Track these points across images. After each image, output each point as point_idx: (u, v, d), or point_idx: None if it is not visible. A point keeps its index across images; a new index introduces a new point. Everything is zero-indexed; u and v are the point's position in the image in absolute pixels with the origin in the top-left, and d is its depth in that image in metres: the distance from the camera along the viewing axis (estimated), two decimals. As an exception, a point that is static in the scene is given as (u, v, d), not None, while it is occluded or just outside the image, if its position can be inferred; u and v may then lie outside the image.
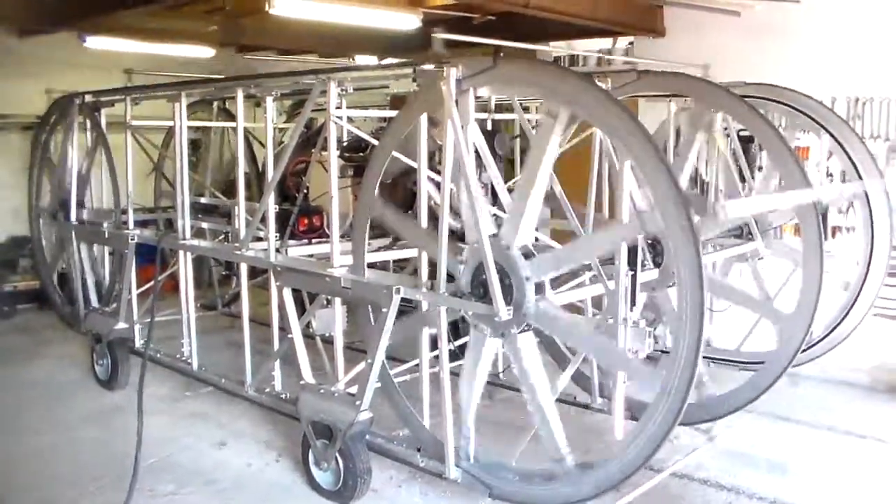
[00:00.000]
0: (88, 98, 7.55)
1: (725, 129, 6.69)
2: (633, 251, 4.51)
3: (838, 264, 6.74)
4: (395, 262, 6.54)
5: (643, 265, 4.76)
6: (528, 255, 4.38)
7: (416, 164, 4.64)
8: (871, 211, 6.59)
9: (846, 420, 6.20)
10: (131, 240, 6.91)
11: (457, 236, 4.68)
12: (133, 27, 8.75)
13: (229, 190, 8.59)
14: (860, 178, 6.58)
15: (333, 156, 5.20)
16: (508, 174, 7.27)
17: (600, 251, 4.59)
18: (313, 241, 6.43)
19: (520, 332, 4.40)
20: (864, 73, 7.22)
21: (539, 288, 4.35)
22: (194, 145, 9.23)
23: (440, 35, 8.04)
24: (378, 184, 4.92)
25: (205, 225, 7.87)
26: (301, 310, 5.52)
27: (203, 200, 8.51)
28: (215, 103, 8.85)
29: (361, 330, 5.35)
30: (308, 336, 5.49)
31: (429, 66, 4.54)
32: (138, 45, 9.22)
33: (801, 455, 5.63)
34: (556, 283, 4.60)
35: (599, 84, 4.56)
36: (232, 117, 7.51)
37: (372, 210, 4.97)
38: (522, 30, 9.23)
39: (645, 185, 4.02)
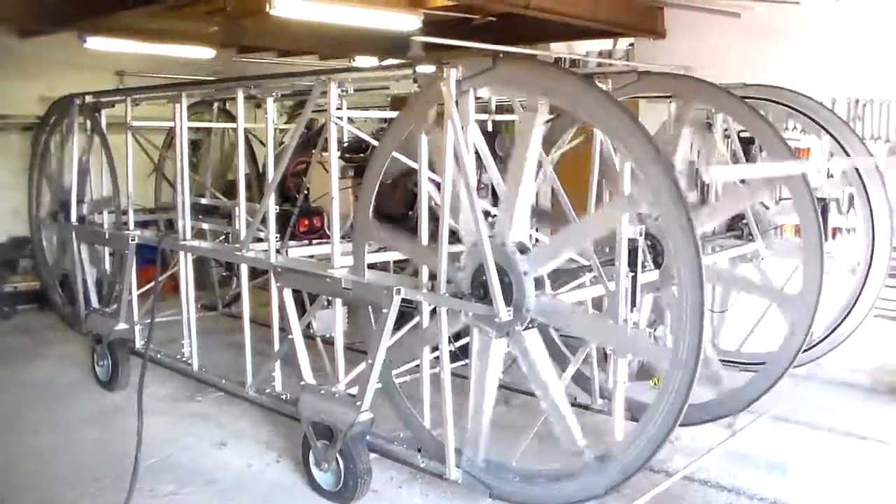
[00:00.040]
0: (89, 99, 7.55)
1: (725, 130, 6.71)
2: (633, 252, 4.51)
3: (839, 265, 6.73)
4: (395, 262, 6.54)
5: (643, 266, 4.76)
6: (523, 250, 4.38)
7: (416, 165, 4.65)
8: (871, 211, 6.60)
9: (847, 421, 6.20)
10: (132, 240, 6.91)
11: (455, 238, 4.67)
12: (133, 28, 8.74)
13: (230, 191, 8.60)
14: (860, 178, 6.58)
15: (334, 157, 5.21)
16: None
17: (595, 234, 4.54)
18: (314, 241, 6.44)
19: (524, 330, 4.39)
20: (865, 74, 7.22)
21: (538, 283, 4.35)
22: (194, 146, 9.24)
23: (419, 38, 8.06)
24: (373, 202, 4.95)
25: (205, 226, 7.89)
26: (301, 311, 5.52)
27: (203, 201, 8.52)
28: (216, 104, 8.86)
29: (362, 331, 5.35)
30: (308, 337, 5.49)
31: (429, 67, 4.55)
32: (138, 46, 9.23)
33: (801, 456, 5.63)
34: (557, 285, 4.61)
35: (600, 85, 4.57)
36: (232, 118, 7.51)
37: (368, 235, 5.00)
38: (523, 31, 9.24)
39: (645, 186, 4.01)
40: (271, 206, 5.64)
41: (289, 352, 5.42)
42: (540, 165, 4.77)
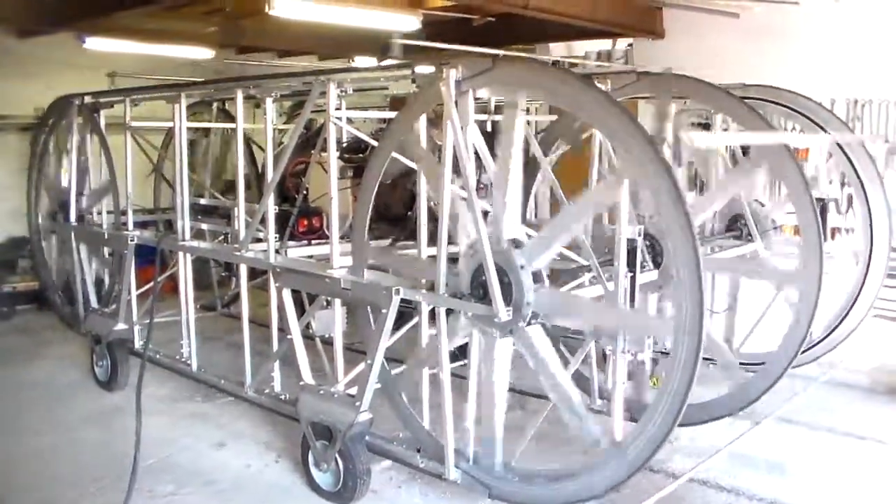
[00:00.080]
0: (87, 99, 7.55)
1: (725, 130, 6.71)
2: (632, 252, 4.51)
3: (837, 266, 6.74)
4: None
5: (643, 266, 4.76)
6: (518, 245, 4.38)
7: (416, 165, 4.65)
8: (870, 212, 6.60)
9: (846, 421, 6.20)
10: (131, 241, 6.91)
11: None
12: (132, 28, 8.76)
13: (229, 191, 8.60)
14: (859, 179, 6.59)
15: (333, 157, 5.21)
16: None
17: (586, 216, 4.52)
18: (313, 242, 6.44)
19: (528, 325, 4.37)
20: (864, 75, 7.23)
21: (536, 277, 4.35)
22: (192, 146, 9.24)
23: (398, 41, 8.08)
24: (372, 203, 4.96)
25: (204, 226, 7.88)
26: (301, 311, 5.52)
27: (203, 201, 8.52)
28: (215, 104, 8.86)
29: (361, 331, 5.35)
30: (308, 337, 5.49)
31: (428, 68, 4.55)
32: (136, 47, 9.23)
33: (800, 456, 5.62)
34: (557, 285, 4.61)
35: (599, 85, 4.57)
36: (231, 118, 7.51)
37: (366, 259, 5.00)
38: (522, 31, 9.26)
39: (644, 186, 4.02)
40: (270, 206, 5.63)
41: (288, 352, 5.42)
42: (538, 166, 4.78)
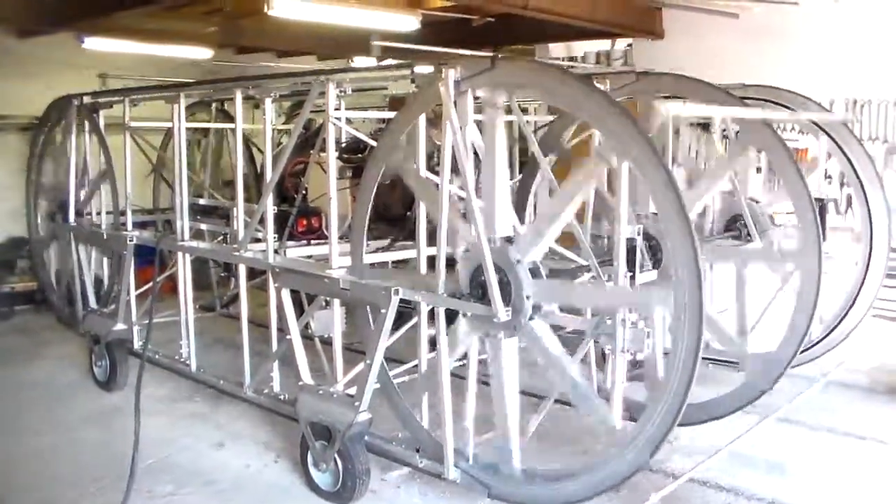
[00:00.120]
0: (87, 99, 7.55)
1: (724, 130, 6.72)
2: (631, 252, 4.51)
3: (836, 266, 6.74)
4: (393, 263, 6.53)
5: (642, 266, 4.76)
6: (511, 240, 4.38)
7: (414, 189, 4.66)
8: (869, 212, 6.60)
9: (845, 421, 6.20)
10: (130, 241, 6.91)
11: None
12: (131, 28, 8.76)
13: (228, 191, 8.60)
14: (858, 179, 6.59)
15: (332, 157, 5.21)
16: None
17: (573, 198, 4.40)
18: (312, 242, 6.44)
19: (530, 319, 4.37)
20: (863, 75, 7.23)
21: (534, 272, 4.36)
22: (191, 146, 9.24)
23: (378, 42, 8.08)
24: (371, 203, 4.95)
25: (203, 226, 7.88)
26: (300, 311, 5.52)
27: (202, 202, 8.52)
28: (214, 105, 8.86)
29: (360, 331, 5.35)
30: (307, 337, 5.49)
31: (427, 68, 4.55)
32: (135, 47, 9.24)
33: (800, 456, 5.62)
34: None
35: (598, 85, 4.57)
36: (231, 119, 7.52)
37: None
38: (521, 31, 9.26)
39: (643, 186, 4.02)
40: (269, 206, 5.63)
41: (287, 352, 5.41)
42: (538, 166, 4.78)
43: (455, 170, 4.40)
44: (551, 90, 4.20)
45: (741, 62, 7.49)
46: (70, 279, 8.02)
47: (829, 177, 7.40)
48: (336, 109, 5.29)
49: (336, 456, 4.87)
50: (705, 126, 6.87)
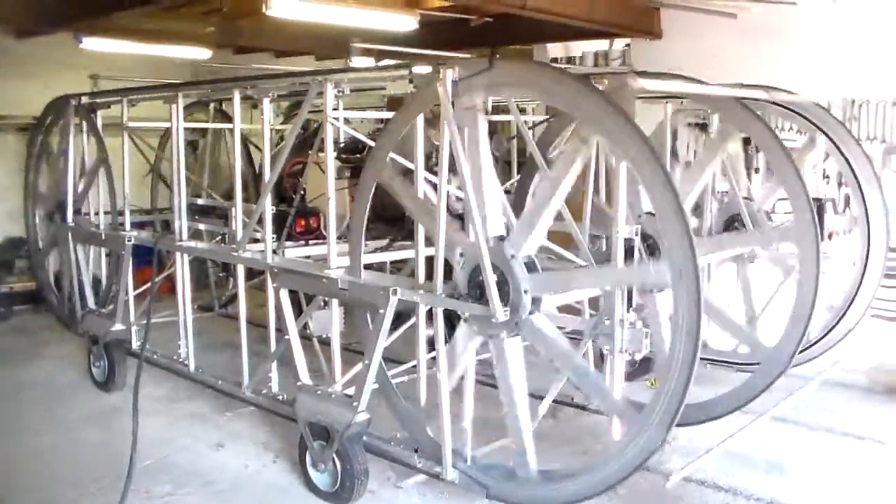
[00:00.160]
0: (85, 99, 7.54)
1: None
2: (629, 252, 4.51)
3: (835, 266, 6.75)
4: (391, 263, 6.53)
5: (640, 266, 4.76)
6: (530, 266, 4.37)
7: (413, 165, 4.65)
8: (867, 212, 6.61)
9: (844, 421, 6.20)
10: (128, 241, 6.91)
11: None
12: (130, 28, 8.76)
13: (226, 191, 8.60)
14: (856, 179, 6.59)
15: (330, 157, 5.21)
16: (504, 176, 7.30)
17: (560, 183, 4.38)
18: (310, 242, 6.44)
19: (530, 314, 4.36)
20: (861, 75, 7.23)
21: (530, 266, 4.36)
22: (191, 147, 9.24)
23: (357, 45, 8.08)
24: (367, 211, 4.94)
25: (202, 226, 7.88)
26: (298, 311, 5.52)
27: (200, 202, 8.51)
28: (212, 105, 8.86)
29: (358, 331, 5.35)
30: (305, 337, 5.49)
31: (425, 68, 4.55)
32: (134, 47, 9.23)
33: (798, 456, 5.63)
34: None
35: (596, 85, 4.57)
36: (229, 119, 7.51)
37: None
38: (519, 31, 9.26)
39: (642, 186, 4.02)
40: (268, 206, 5.63)
41: (285, 352, 5.41)
42: (535, 167, 4.78)
43: (452, 170, 4.41)
44: (549, 90, 4.20)
45: (739, 62, 7.49)
46: (69, 279, 8.01)
47: (827, 176, 7.40)
48: (334, 109, 5.28)
49: (334, 456, 4.87)
50: (703, 126, 6.87)
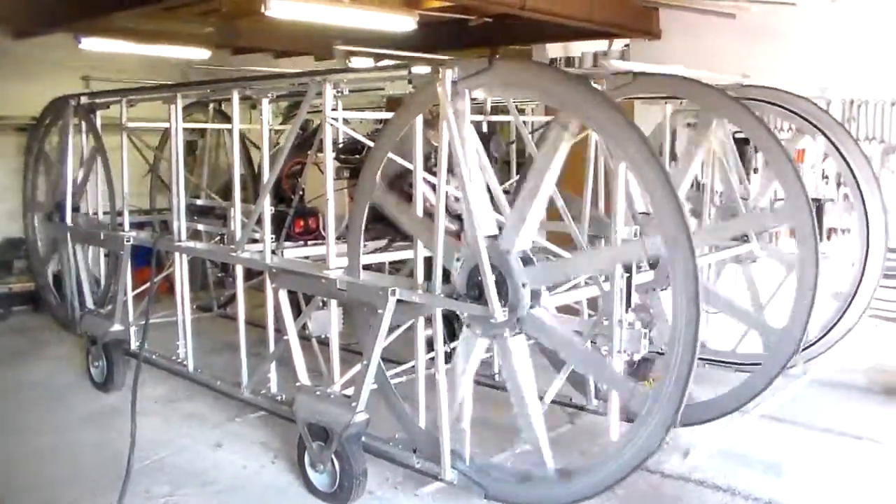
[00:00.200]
0: (84, 100, 7.54)
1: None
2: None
3: (834, 266, 6.75)
4: (390, 263, 6.53)
5: (639, 266, 4.76)
6: (526, 260, 4.37)
7: (412, 165, 4.65)
8: (866, 212, 6.61)
9: (842, 421, 6.20)
10: (127, 241, 6.90)
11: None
12: (128, 29, 8.76)
13: (225, 191, 8.59)
14: (855, 179, 6.59)
15: (329, 158, 5.20)
16: (504, 176, 7.30)
17: (548, 170, 4.38)
18: (309, 242, 6.43)
19: (531, 308, 4.36)
20: (860, 75, 7.24)
21: (526, 261, 4.35)
22: (190, 147, 9.23)
23: (341, 47, 8.08)
24: (366, 212, 4.92)
25: (200, 227, 7.87)
26: (297, 312, 5.52)
27: (199, 202, 8.50)
28: (211, 105, 8.85)
29: (357, 332, 5.35)
30: (304, 338, 5.49)
31: (424, 68, 4.55)
32: (133, 47, 9.23)
33: (796, 456, 5.63)
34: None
35: (595, 86, 4.57)
36: (228, 119, 7.51)
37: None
38: (518, 32, 9.26)
39: (641, 187, 4.02)
40: (267, 207, 5.63)
41: (284, 353, 5.41)
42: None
43: (450, 170, 4.41)
44: (548, 90, 4.20)
45: (739, 62, 7.48)
46: (68, 280, 8.01)
47: (826, 177, 7.40)
48: (333, 110, 5.28)
49: (333, 457, 4.87)
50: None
